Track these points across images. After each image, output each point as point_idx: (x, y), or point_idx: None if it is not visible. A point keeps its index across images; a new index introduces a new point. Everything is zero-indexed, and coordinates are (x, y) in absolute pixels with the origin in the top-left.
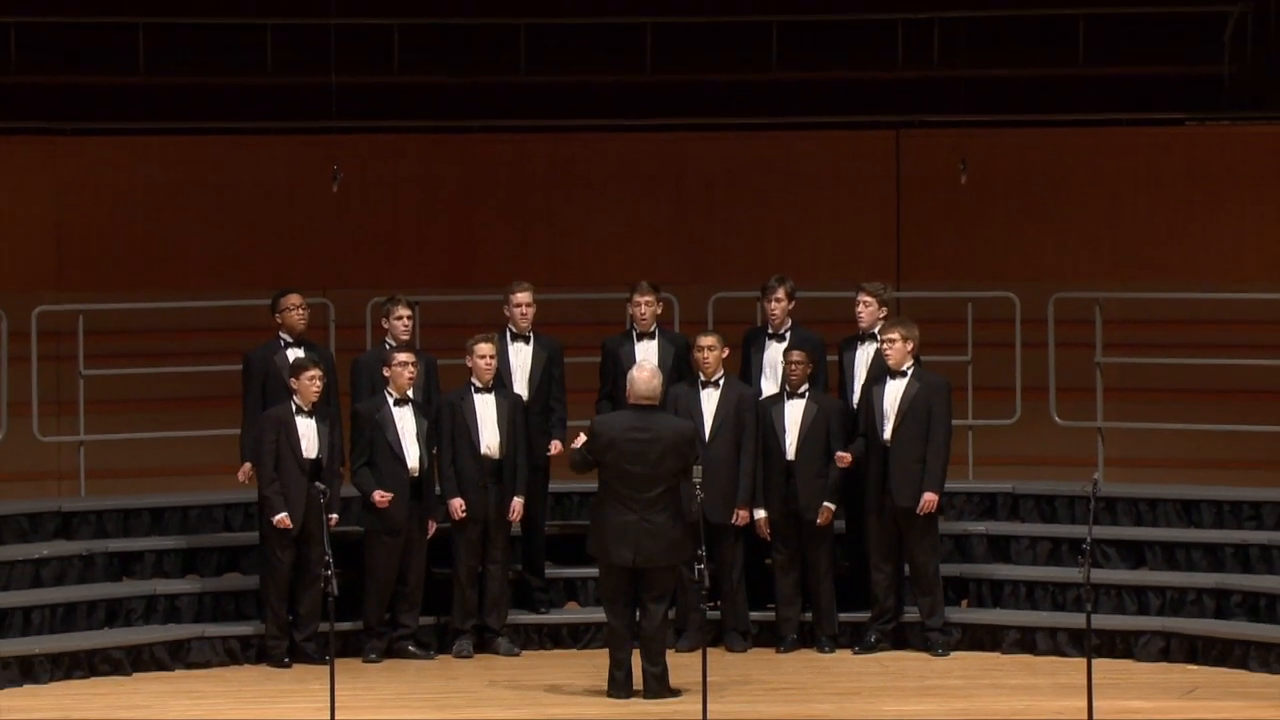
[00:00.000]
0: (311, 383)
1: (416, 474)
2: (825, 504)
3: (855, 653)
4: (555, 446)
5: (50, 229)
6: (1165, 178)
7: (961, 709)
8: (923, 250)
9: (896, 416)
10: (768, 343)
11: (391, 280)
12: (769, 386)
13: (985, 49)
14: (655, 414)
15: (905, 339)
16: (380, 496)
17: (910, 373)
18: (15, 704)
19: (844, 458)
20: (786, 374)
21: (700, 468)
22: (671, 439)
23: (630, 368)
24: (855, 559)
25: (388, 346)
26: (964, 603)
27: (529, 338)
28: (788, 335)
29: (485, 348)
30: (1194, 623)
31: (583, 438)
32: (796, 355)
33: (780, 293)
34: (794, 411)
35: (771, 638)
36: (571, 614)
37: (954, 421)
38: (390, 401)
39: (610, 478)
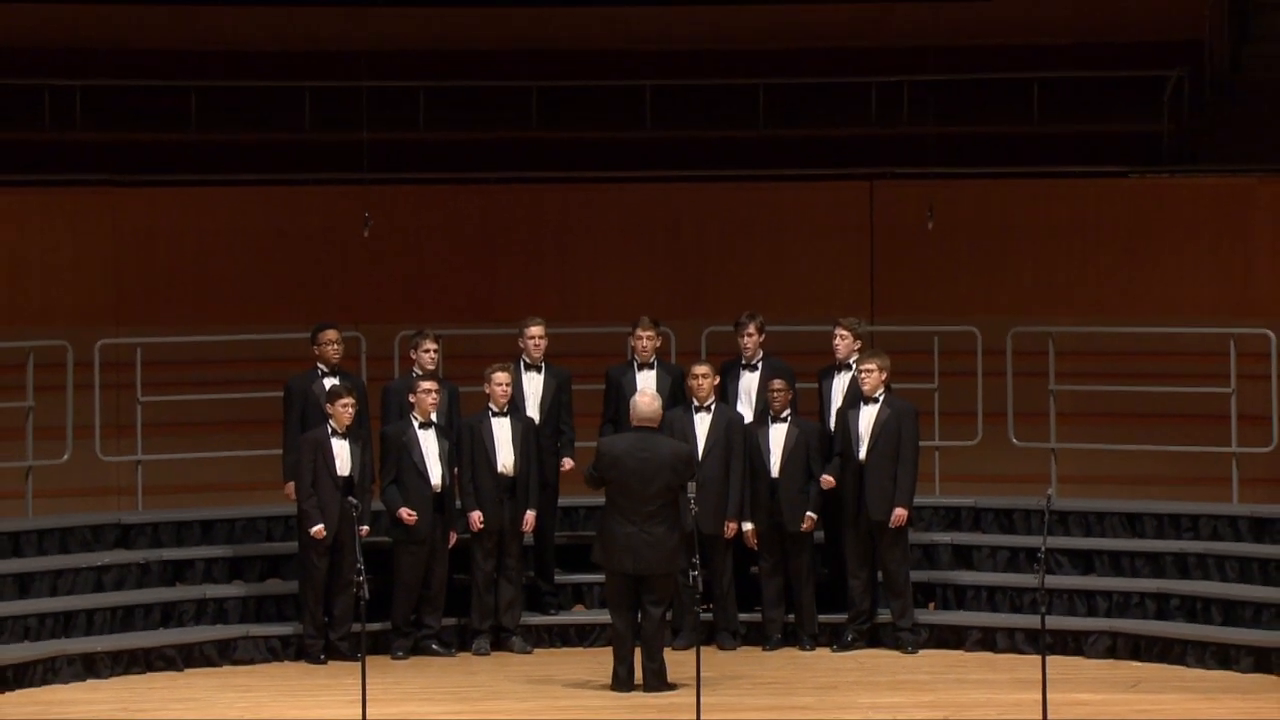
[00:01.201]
0: (345, 408)
1: (439, 490)
2: (808, 514)
3: (833, 651)
4: (567, 464)
5: (111, 271)
6: (1111, 224)
7: (929, 701)
8: (894, 289)
9: (870, 438)
10: (742, 372)
11: (418, 316)
12: (744, 412)
13: (950, 109)
14: (655, 436)
15: (880, 370)
16: (407, 514)
17: (882, 399)
18: (79, 696)
19: (828, 480)
20: (769, 401)
21: (694, 484)
22: (669, 458)
23: (632, 395)
24: (834, 566)
25: (414, 375)
26: (931, 605)
27: (541, 367)
28: (759, 365)
29: (502, 376)
30: (1137, 623)
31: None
32: (778, 384)
33: (751, 328)
34: (778, 434)
35: (758, 637)
36: (578, 616)
37: (922, 443)
38: (415, 425)
39: (614, 493)
